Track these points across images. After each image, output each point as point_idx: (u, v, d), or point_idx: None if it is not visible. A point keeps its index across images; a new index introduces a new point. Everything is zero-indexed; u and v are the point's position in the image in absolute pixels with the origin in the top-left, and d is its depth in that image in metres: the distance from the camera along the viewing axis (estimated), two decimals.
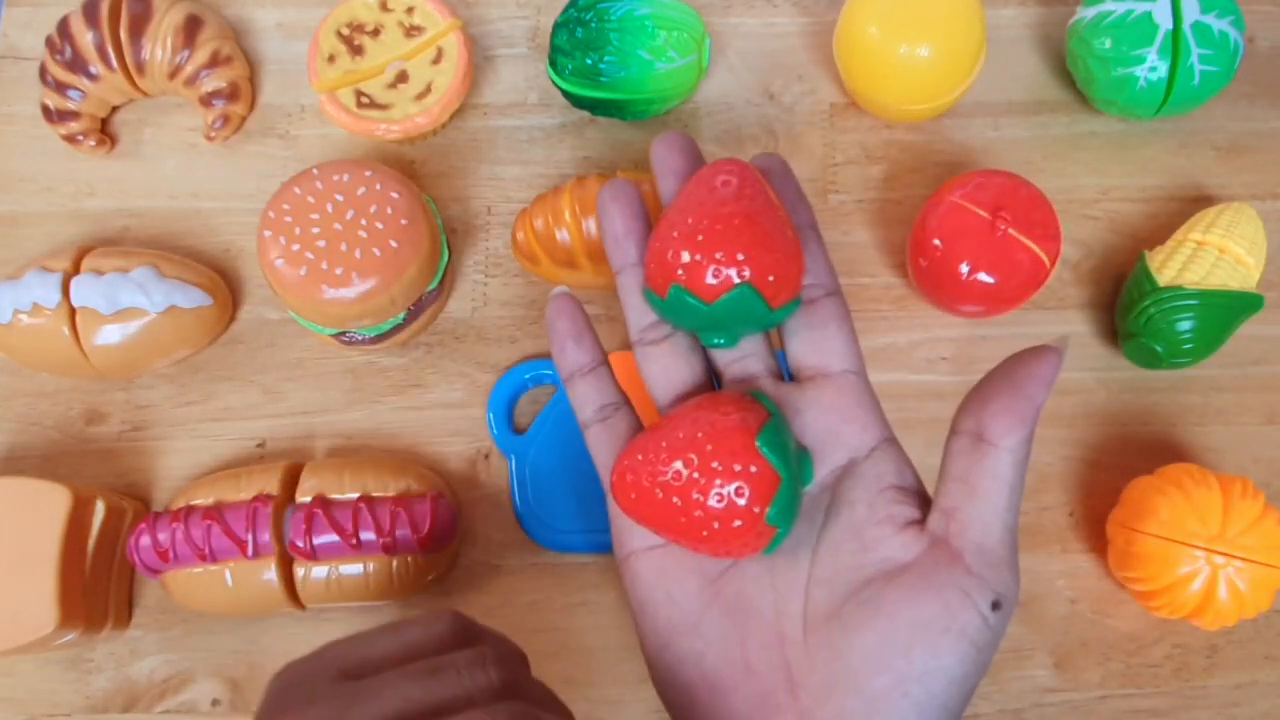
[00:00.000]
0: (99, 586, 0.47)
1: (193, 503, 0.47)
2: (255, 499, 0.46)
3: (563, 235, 0.50)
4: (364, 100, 0.54)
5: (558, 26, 0.53)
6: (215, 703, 0.47)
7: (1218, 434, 0.52)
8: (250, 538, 0.45)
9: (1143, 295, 0.49)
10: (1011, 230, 0.48)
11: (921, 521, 0.29)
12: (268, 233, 0.48)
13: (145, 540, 0.45)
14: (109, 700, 0.48)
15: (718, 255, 0.29)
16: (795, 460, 0.29)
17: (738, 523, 0.27)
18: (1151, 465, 0.48)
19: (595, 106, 0.54)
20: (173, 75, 0.55)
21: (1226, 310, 0.49)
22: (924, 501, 0.30)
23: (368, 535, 0.45)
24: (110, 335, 0.49)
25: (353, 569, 0.46)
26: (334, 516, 0.45)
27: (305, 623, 0.49)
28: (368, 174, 0.49)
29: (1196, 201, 0.55)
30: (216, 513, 0.45)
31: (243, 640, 0.48)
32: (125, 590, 0.49)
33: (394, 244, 0.47)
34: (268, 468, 0.48)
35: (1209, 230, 0.50)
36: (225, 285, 0.53)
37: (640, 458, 0.29)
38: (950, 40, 0.51)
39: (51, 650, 0.47)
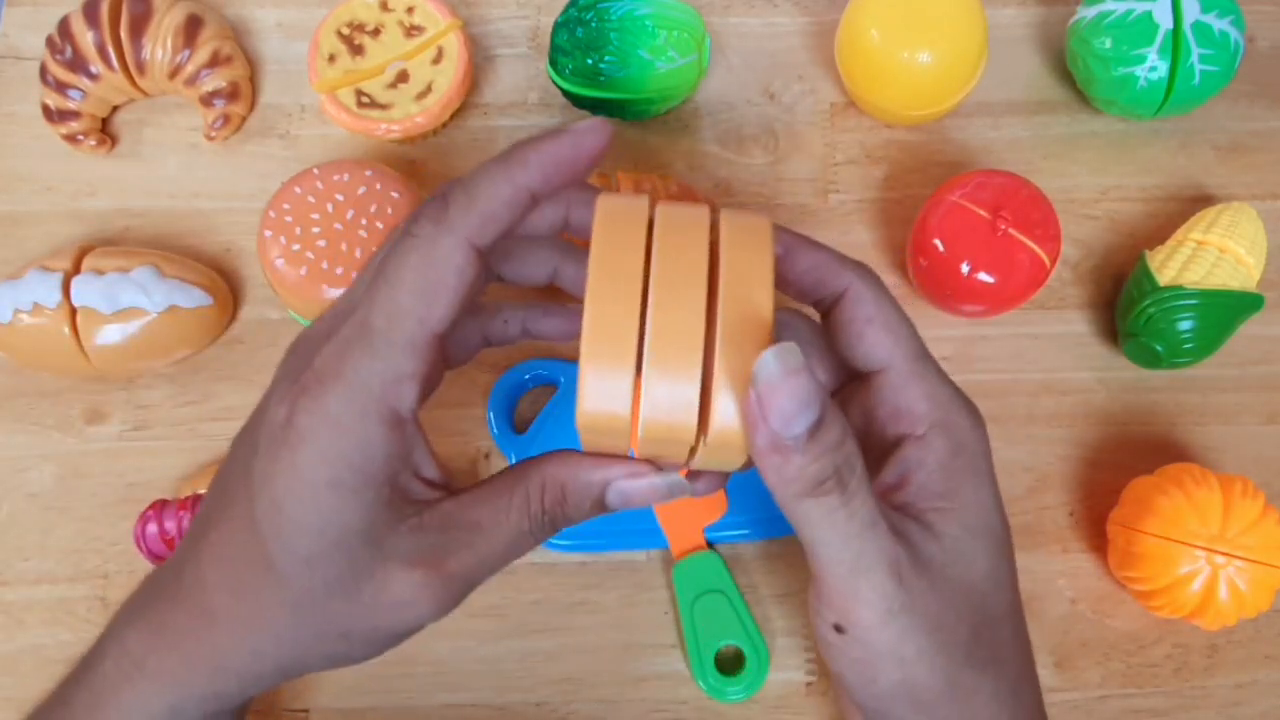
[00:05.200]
0: None
1: (200, 491, 0.47)
2: None
3: None
4: (364, 100, 0.54)
5: (558, 26, 0.53)
6: None
7: (1218, 434, 0.52)
8: None
9: (1143, 295, 0.49)
10: (1011, 230, 0.48)
11: None
12: (268, 232, 0.48)
13: (152, 528, 0.45)
14: None
15: None
16: None
17: None
18: (1151, 465, 0.48)
19: (595, 106, 0.54)
20: (173, 75, 0.55)
21: (1226, 310, 0.49)
22: None
23: None
24: (110, 335, 0.49)
25: None
26: None
27: None
28: (368, 174, 0.49)
29: (1196, 201, 0.55)
30: None
31: None
32: None
33: None
34: None
35: (1209, 230, 0.50)
36: (225, 285, 0.53)
37: None
38: (952, 46, 0.51)
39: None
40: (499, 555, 0.29)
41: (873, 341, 0.30)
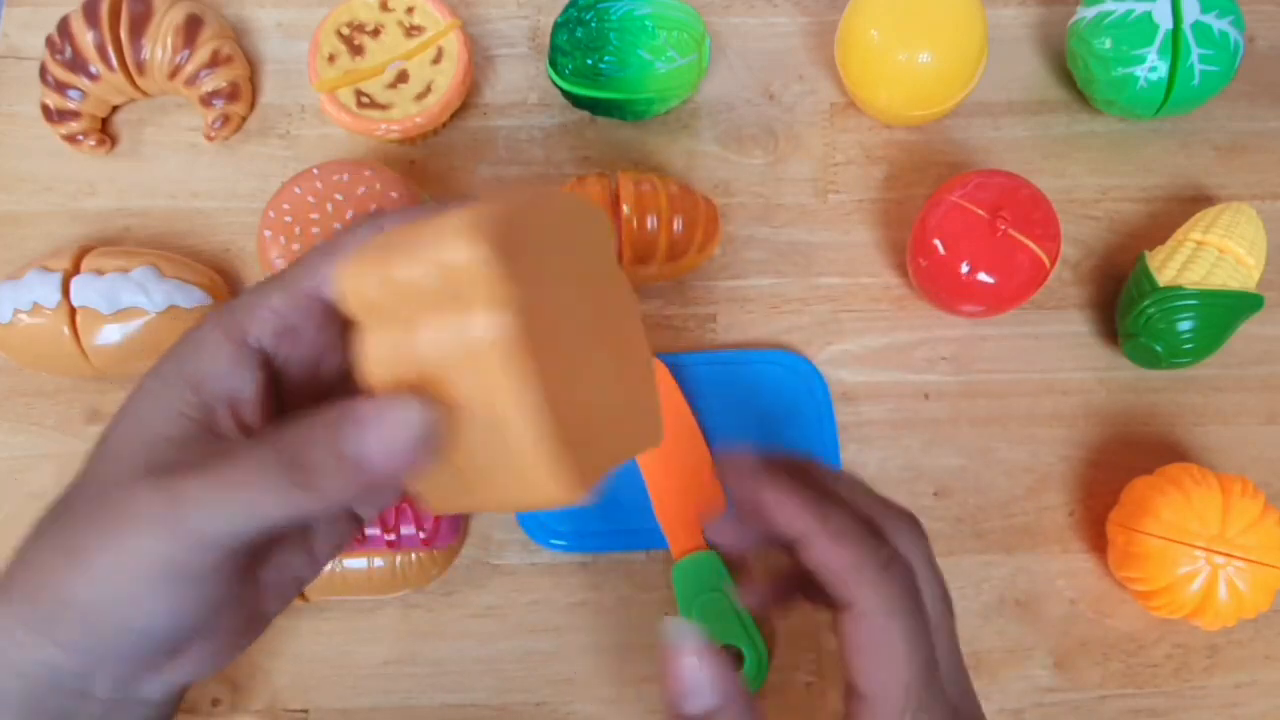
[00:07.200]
0: None
1: None
2: None
3: None
4: (364, 100, 0.54)
5: (558, 26, 0.53)
6: (215, 702, 0.47)
7: (1218, 434, 0.52)
8: None
9: (1143, 295, 0.49)
10: (1011, 230, 0.48)
11: None
12: (268, 232, 0.48)
13: None
14: None
15: None
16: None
17: None
18: (1151, 465, 0.48)
19: (595, 106, 0.54)
20: (173, 75, 0.55)
21: (1226, 310, 0.49)
22: None
23: (372, 531, 0.45)
24: (110, 335, 0.49)
25: (356, 563, 0.46)
26: None
27: (306, 620, 0.49)
28: (368, 174, 0.49)
29: (1196, 201, 0.55)
30: None
31: None
32: None
33: None
34: None
35: (1209, 230, 0.50)
36: (225, 285, 0.53)
37: None
38: (951, 46, 0.51)
39: None
40: (232, 487, 0.26)
41: (858, 670, 0.30)
